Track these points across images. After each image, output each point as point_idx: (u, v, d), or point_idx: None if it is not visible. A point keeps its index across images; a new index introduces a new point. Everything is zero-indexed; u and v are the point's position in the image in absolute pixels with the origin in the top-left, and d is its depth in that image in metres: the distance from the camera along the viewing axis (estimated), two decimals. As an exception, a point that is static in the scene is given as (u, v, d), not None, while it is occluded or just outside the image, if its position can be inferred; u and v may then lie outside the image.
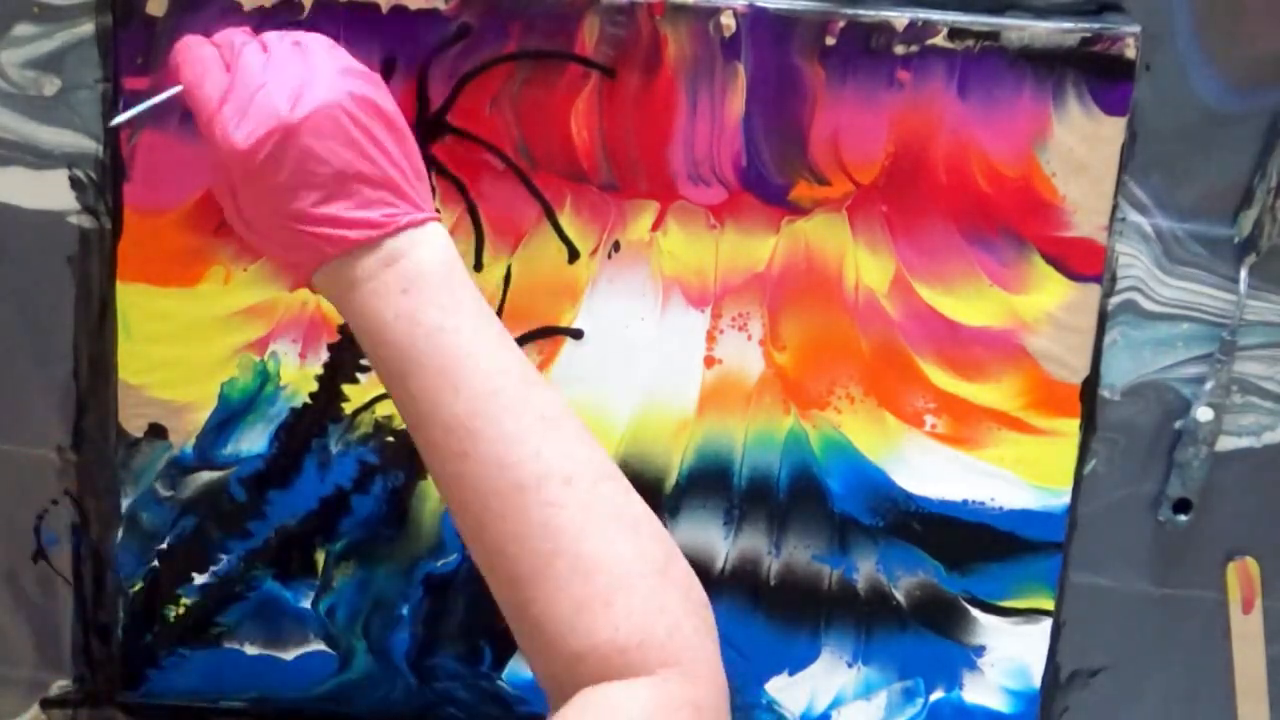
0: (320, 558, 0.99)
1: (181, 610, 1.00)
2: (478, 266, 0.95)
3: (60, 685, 1.02)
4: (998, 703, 1.00)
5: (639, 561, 0.77)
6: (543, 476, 0.78)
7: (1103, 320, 0.95)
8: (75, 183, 0.95)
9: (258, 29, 0.91)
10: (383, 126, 0.82)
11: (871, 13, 0.91)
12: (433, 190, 0.94)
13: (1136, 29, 0.91)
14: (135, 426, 0.98)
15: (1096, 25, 0.91)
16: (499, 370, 0.80)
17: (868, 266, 0.95)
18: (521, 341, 0.96)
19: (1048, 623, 0.99)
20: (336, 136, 0.80)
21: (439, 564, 1.00)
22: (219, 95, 0.82)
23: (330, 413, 0.98)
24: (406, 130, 0.83)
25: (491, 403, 0.79)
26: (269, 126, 0.79)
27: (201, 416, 0.98)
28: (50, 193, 0.95)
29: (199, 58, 0.85)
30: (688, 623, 0.77)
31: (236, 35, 0.86)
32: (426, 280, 0.80)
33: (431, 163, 0.94)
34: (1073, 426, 0.96)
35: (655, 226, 0.95)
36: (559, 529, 0.77)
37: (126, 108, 0.88)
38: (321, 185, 0.80)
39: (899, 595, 0.99)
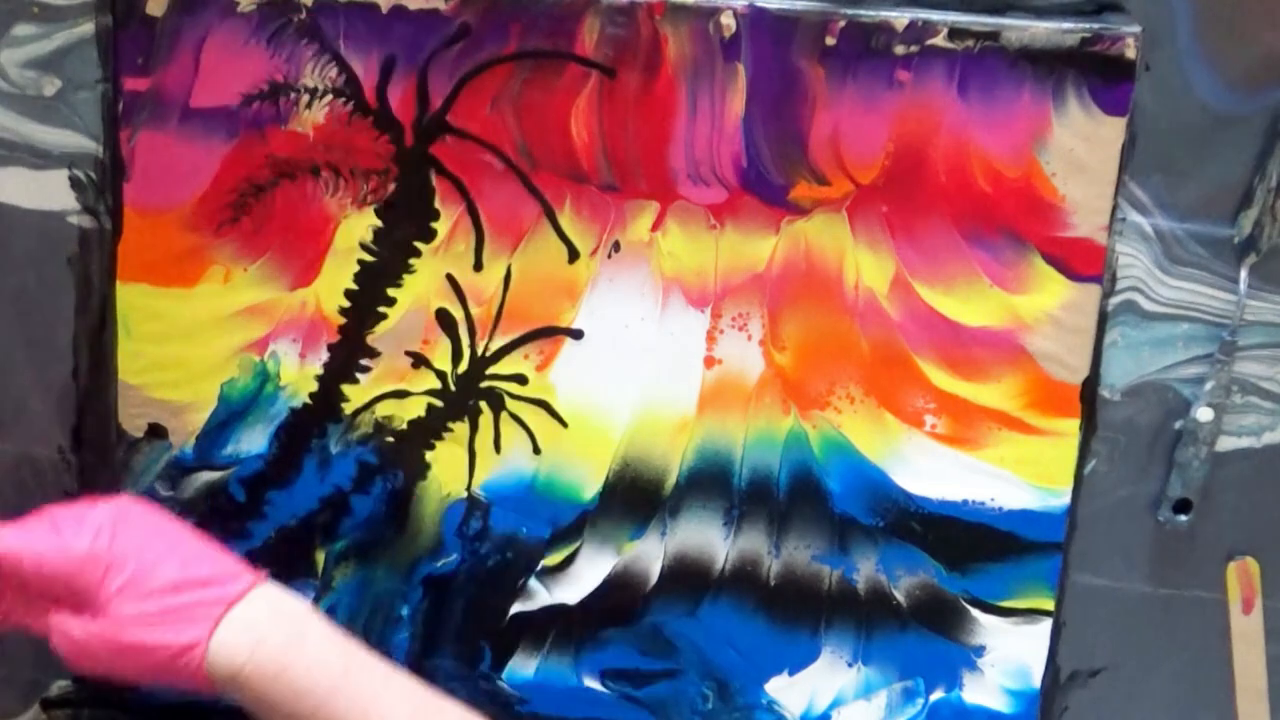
0: (320, 558, 1.00)
1: (181, 610, 1.00)
2: (478, 266, 0.95)
3: (60, 685, 1.02)
4: (998, 703, 1.00)
5: None
6: None
7: (1103, 320, 0.95)
8: (75, 183, 0.95)
9: (258, 28, 0.91)
10: (154, 528, 0.84)
11: (871, 13, 0.91)
12: (433, 190, 0.94)
13: (1136, 29, 0.91)
14: (135, 426, 0.98)
15: (1096, 25, 0.91)
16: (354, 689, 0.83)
17: (868, 266, 0.95)
18: (522, 341, 0.96)
19: (1048, 623, 0.99)
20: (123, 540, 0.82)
21: (439, 564, 1.00)
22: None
23: (330, 413, 0.98)
24: (164, 533, 0.85)
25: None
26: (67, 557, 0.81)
27: (201, 416, 0.98)
28: (50, 193, 0.96)
29: None
30: None
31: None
32: (271, 637, 0.82)
33: (431, 163, 0.94)
34: (1073, 426, 0.96)
35: (655, 226, 0.95)
36: None
37: None
38: (139, 596, 0.81)
39: (899, 595, 0.99)
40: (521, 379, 0.97)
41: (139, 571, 0.81)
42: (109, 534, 0.81)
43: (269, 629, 0.81)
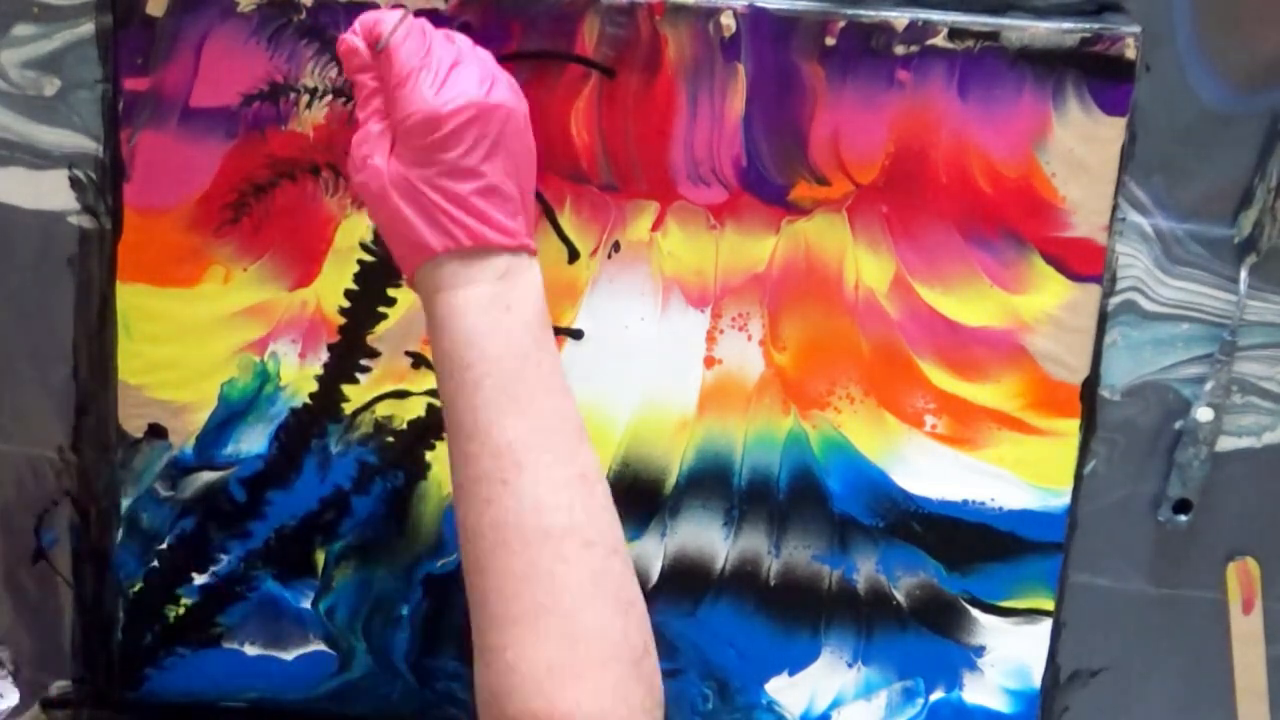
0: (320, 558, 1.00)
1: (181, 610, 1.00)
2: (478, 266, 0.95)
3: (60, 685, 1.02)
4: (998, 703, 1.00)
5: (622, 645, 0.77)
6: (568, 531, 0.78)
7: (1103, 320, 0.95)
8: (75, 183, 0.95)
9: (258, 28, 0.91)
10: (529, 151, 0.85)
11: (871, 13, 0.91)
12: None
13: (1136, 29, 0.91)
14: (135, 427, 0.98)
15: (1096, 25, 0.91)
16: (561, 415, 0.81)
17: (868, 266, 0.95)
18: (521, 341, 0.96)
19: (1048, 623, 0.99)
20: (510, 141, 0.82)
21: (439, 564, 1.00)
22: (418, 60, 0.82)
23: (330, 413, 0.98)
24: (535, 164, 0.86)
25: (547, 442, 0.79)
26: (467, 99, 0.81)
27: (201, 417, 0.98)
28: (50, 193, 0.95)
29: (409, 24, 0.85)
30: (643, 719, 0.77)
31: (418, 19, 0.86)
32: (528, 306, 0.82)
33: (431, 163, 0.94)
34: (1073, 426, 0.96)
35: (655, 227, 0.95)
36: (563, 587, 0.77)
37: None
38: (482, 178, 0.81)
39: (899, 595, 0.99)
40: (521, 379, 0.97)
41: (472, 163, 0.81)
42: (493, 119, 0.82)
43: (484, 289, 0.81)
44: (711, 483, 0.98)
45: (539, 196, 0.94)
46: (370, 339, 0.97)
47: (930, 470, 0.97)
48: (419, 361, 0.97)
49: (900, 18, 0.91)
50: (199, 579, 1.00)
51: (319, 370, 0.97)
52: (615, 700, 0.76)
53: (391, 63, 0.83)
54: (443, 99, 0.81)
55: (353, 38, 0.84)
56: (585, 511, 0.79)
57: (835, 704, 1.01)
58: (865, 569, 0.99)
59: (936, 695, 1.00)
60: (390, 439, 0.98)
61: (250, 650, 1.00)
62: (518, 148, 0.83)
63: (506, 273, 0.82)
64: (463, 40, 0.86)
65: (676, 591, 0.99)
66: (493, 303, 0.81)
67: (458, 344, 0.81)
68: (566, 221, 0.95)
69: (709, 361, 0.97)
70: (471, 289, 0.81)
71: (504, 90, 0.83)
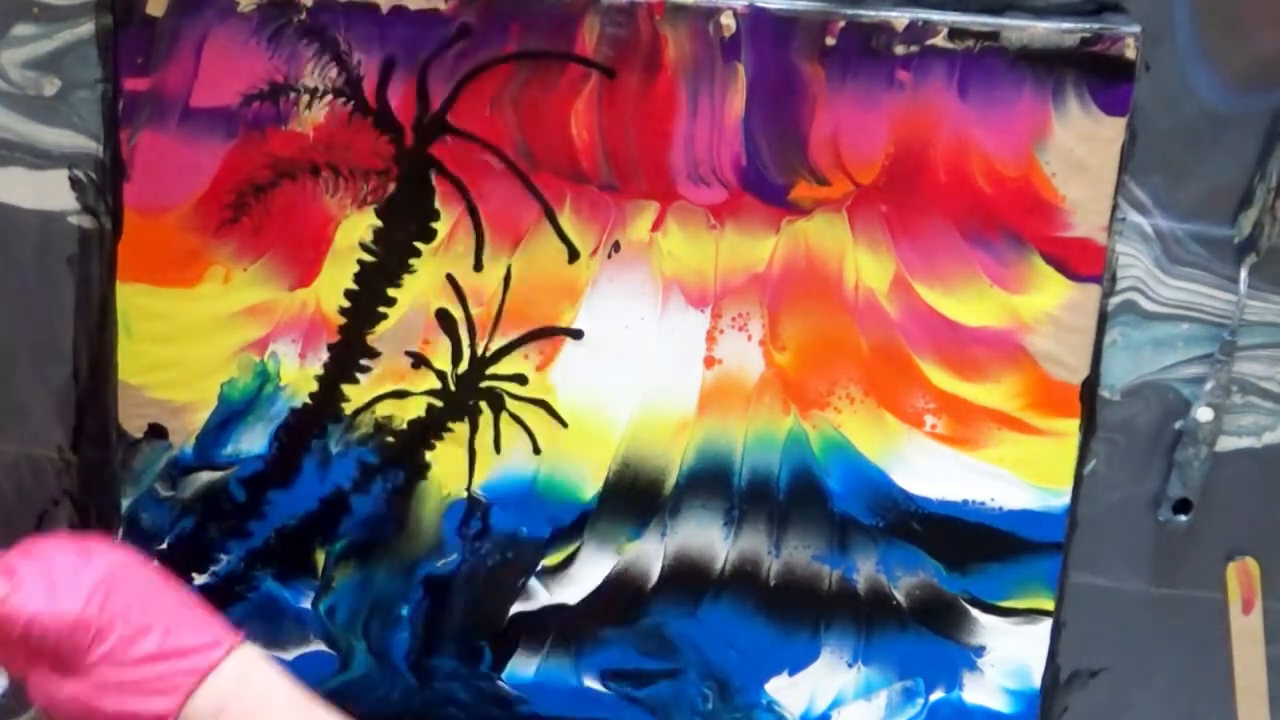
0: (320, 558, 1.00)
1: (181, 610, 1.00)
2: (478, 266, 0.95)
3: (60, 685, 1.02)
4: (998, 703, 1.00)
5: None
6: None
7: (1103, 320, 0.95)
8: (75, 183, 0.95)
9: (258, 28, 0.91)
10: (146, 583, 0.86)
11: (871, 13, 0.91)
12: (433, 191, 0.94)
13: (1136, 29, 0.91)
14: (135, 426, 0.98)
15: (1096, 25, 0.91)
16: None
17: (868, 266, 0.95)
18: (522, 341, 0.96)
19: (1048, 623, 0.99)
20: (117, 596, 0.84)
21: (439, 564, 1.00)
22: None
23: (330, 413, 0.98)
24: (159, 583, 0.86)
25: None
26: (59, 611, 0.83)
27: (201, 416, 0.98)
28: (50, 193, 0.95)
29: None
30: None
31: None
32: (278, 683, 0.85)
33: (431, 163, 0.94)
34: (1073, 426, 0.96)
35: (655, 226, 0.95)
36: None
37: None
38: (143, 636, 0.83)
39: (899, 595, 0.99)
40: (521, 379, 0.97)
41: (123, 639, 0.83)
42: (101, 597, 0.83)
43: (234, 701, 0.83)
44: (711, 483, 0.98)
45: (539, 196, 0.94)
46: (370, 339, 0.97)
47: (930, 470, 0.97)
48: (419, 361, 0.97)
49: (900, 18, 0.91)
50: (199, 579, 1.00)
51: (319, 370, 0.97)
52: None
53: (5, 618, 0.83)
54: (55, 610, 0.82)
55: None
56: None
57: (835, 704, 1.01)
58: (865, 569, 0.99)
59: (936, 695, 1.00)
60: (390, 439, 0.98)
61: (250, 650, 1.00)
62: (129, 594, 0.84)
63: (243, 674, 0.84)
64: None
65: (676, 591, 0.99)
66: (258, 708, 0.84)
67: None
68: (566, 221, 0.95)
69: (709, 361, 0.97)
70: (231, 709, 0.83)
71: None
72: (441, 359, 0.97)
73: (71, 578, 0.83)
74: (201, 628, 0.85)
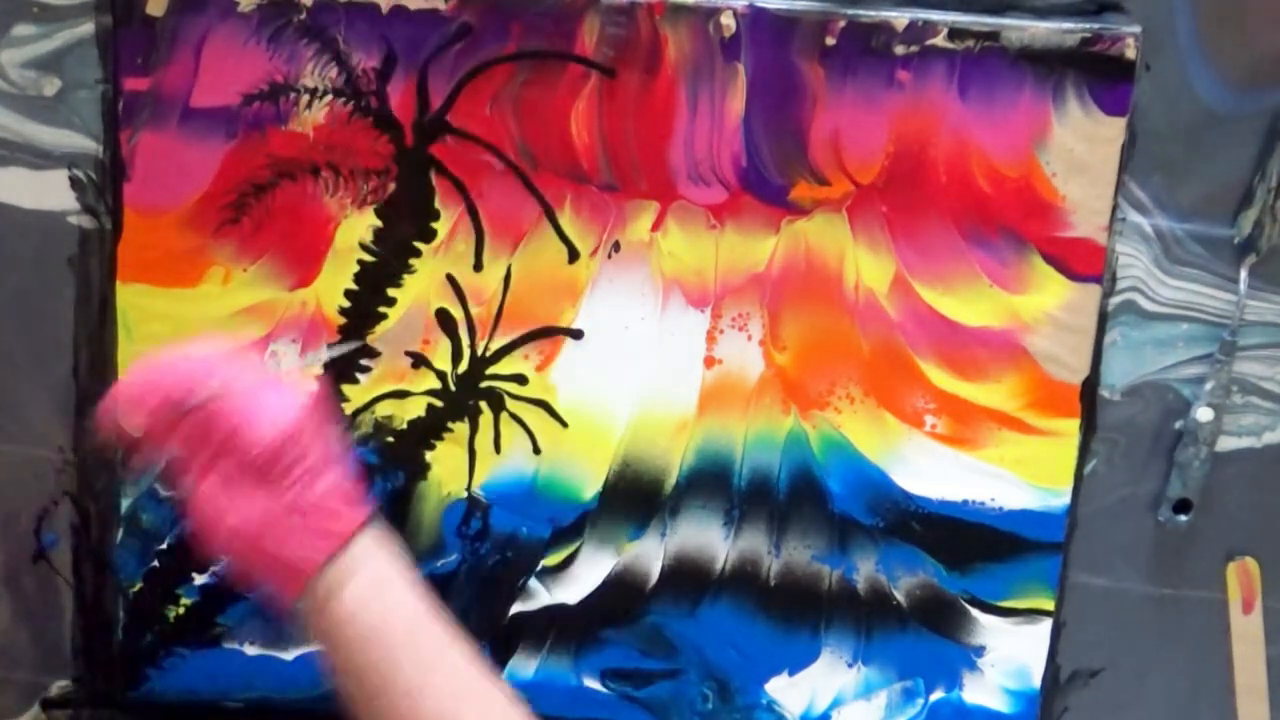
0: (320, 558, 0.99)
1: (181, 610, 1.00)
2: (478, 267, 0.95)
3: (60, 685, 1.02)
4: (998, 703, 1.00)
5: None
6: None
7: (1103, 320, 0.95)
8: (75, 183, 0.95)
9: (258, 28, 0.91)
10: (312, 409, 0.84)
11: (871, 13, 0.91)
12: (433, 190, 0.94)
13: (1136, 29, 0.91)
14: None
15: (1096, 25, 0.91)
16: (468, 654, 0.84)
17: (868, 266, 0.95)
18: (522, 341, 0.96)
19: (1048, 623, 0.99)
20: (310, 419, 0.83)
21: (439, 564, 1.00)
22: (236, 401, 0.82)
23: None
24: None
25: (474, 685, 0.83)
26: (291, 413, 0.82)
27: (201, 416, 0.98)
28: (50, 193, 0.95)
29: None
30: None
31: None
32: (397, 571, 0.84)
33: (431, 163, 0.94)
34: (1073, 426, 0.96)
35: (655, 226, 0.95)
36: None
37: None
38: (326, 473, 0.82)
39: (899, 595, 0.99)
40: (521, 379, 0.97)
41: (312, 467, 0.81)
42: (308, 419, 0.82)
43: (367, 565, 0.82)
44: (711, 483, 0.98)
45: (539, 196, 0.94)
46: (370, 339, 0.97)
47: (930, 470, 0.97)
48: (419, 361, 0.97)
49: (900, 18, 0.91)
50: (199, 579, 1.00)
51: (319, 370, 0.97)
52: None
53: (215, 415, 0.82)
54: (272, 421, 0.81)
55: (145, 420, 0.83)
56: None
57: (835, 704, 1.01)
58: (865, 569, 0.99)
59: (936, 695, 1.00)
60: (390, 439, 0.98)
61: (250, 650, 1.00)
62: (316, 418, 0.83)
63: (371, 548, 0.83)
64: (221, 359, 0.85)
65: (676, 591, 0.99)
66: (379, 584, 0.83)
67: (364, 640, 0.82)
68: (566, 221, 0.95)
69: (709, 361, 0.97)
70: (355, 582, 0.82)
71: (290, 387, 0.84)
72: (441, 359, 0.97)
73: (277, 395, 0.82)
74: (354, 485, 0.84)
